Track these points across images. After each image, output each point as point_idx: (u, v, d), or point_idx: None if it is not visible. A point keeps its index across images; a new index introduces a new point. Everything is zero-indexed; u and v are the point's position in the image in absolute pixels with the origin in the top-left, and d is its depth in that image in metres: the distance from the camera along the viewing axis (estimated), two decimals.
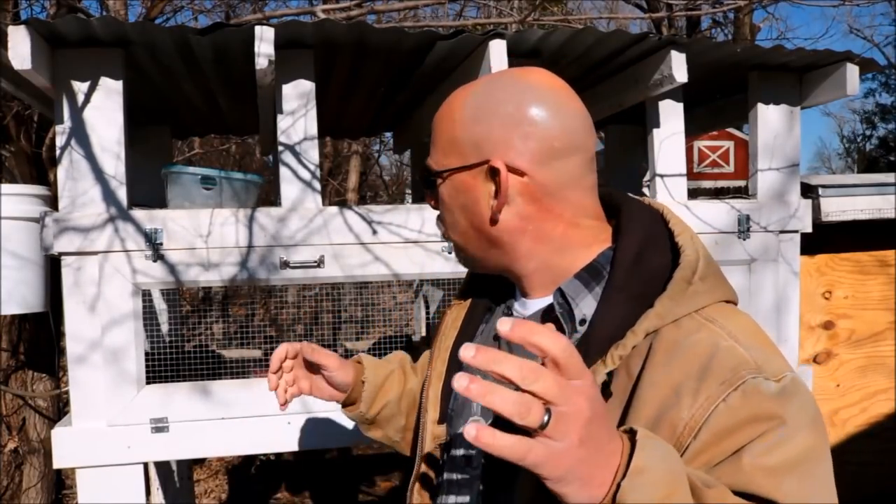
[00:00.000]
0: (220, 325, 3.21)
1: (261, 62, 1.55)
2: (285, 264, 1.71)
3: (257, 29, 1.54)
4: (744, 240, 1.96)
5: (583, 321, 0.74)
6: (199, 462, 4.83)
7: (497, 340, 0.86)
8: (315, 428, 1.70)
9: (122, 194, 1.65)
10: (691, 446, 0.63)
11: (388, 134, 5.02)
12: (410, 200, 6.17)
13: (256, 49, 1.54)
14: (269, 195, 5.12)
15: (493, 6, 3.83)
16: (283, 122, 1.76)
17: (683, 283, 0.70)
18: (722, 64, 1.96)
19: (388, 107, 2.58)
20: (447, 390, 0.91)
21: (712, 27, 8.96)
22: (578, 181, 0.76)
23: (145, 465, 1.79)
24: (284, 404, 1.05)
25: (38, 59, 1.48)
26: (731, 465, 0.61)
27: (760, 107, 2.03)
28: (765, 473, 0.60)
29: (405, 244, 1.78)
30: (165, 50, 1.71)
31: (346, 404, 1.10)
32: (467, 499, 0.82)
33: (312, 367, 1.06)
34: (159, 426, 1.65)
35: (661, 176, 1.97)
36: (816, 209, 2.19)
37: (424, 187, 0.84)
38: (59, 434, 1.63)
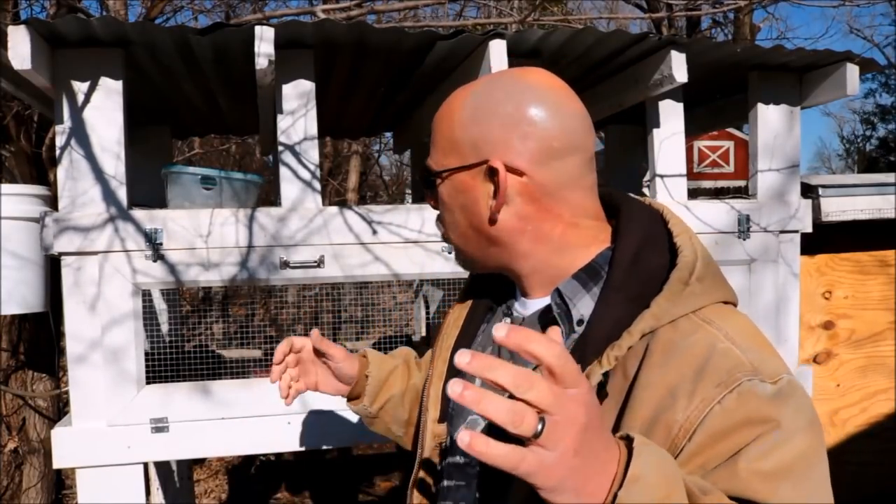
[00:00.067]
0: (220, 325, 3.21)
1: (261, 62, 1.55)
2: (285, 264, 1.71)
3: (257, 29, 1.54)
4: (744, 240, 1.96)
5: (580, 321, 0.74)
6: (199, 462, 4.83)
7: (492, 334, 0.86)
8: (315, 428, 1.70)
9: (122, 194, 1.65)
10: (686, 448, 0.63)
11: (388, 134, 5.02)
12: (410, 200, 6.17)
13: (256, 49, 1.54)
14: (269, 195, 5.12)
15: (493, 6, 3.83)
16: (283, 122, 1.76)
17: (680, 283, 0.70)
18: (722, 64, 1.96)
19: (388, 107, 2.58)
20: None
21: (712, 27, 8.96)
22: (577, 181, 0.76)
23: (145, 465, 1.79)
24: (287, 398, 1.06)
25: (38, 59, 1.48)
26: (727, 470, 0.61)
27: (760, 107, 2.03)
28: (761, 478, 0.60)
29: (405, 244, 1.78)
30: (165, 50, 1.71)
31: (350, 398, 1.12)
32: (467, 498, 0.82)
33: (318, 355, 1.08)
34: (159, 426, 1.65)
35: (661, 176, 1.97)
36: (816, 209, 2.19)
37: (424, 187, 0.84)
38: (59, 434, 1.63)
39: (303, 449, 1.74)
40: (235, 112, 2.51)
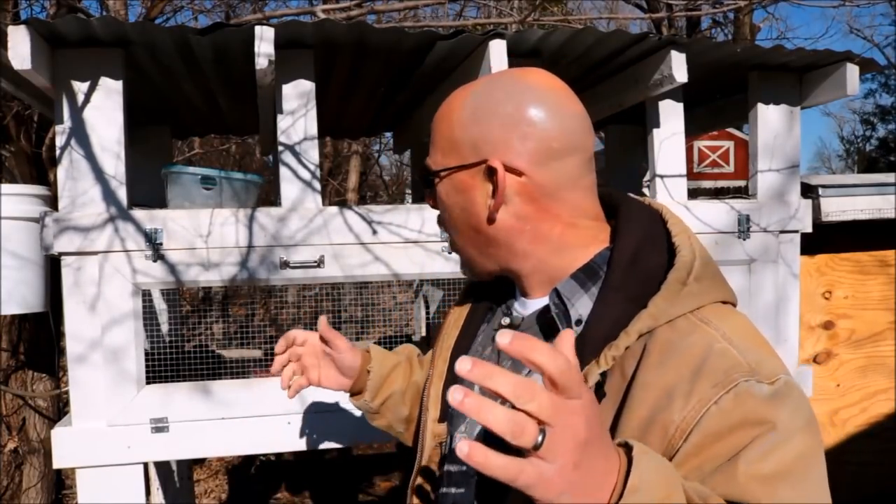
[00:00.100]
0: (220, 325, 3.21)
1: (261, 62, 1.55)
2: (285, 264, 1.71)
3: (257, 29, 1.54)
4: (744, 240, 1.96)
5: (579, 321, 0.74)
6: (199, 462, 4.83)
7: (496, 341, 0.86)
8: (315, 428, 1.70)
9: (122, 194, 1.65)
10: (682, 449, 0.63)
11: (388, 134, 5.02)
12: (410, 200, 6.17)
13: (256, 49, 1.54)
14: (269, 195, 5.12)
15: (493, 6, 3.83)
16: (283, 122, 1.76)
17: (678, 283, 0.70)
18: (722, 64, 1.96)
19: (388, 107, 2.58)
20: (448, 390, 0.91)
21: (712, 27, 8.96)
22: (576, 181, 0.76)
23: (145, 465, 1.79)
24: (289, 391, 1.08)
25: (38, 59, 1.48)
26: (725, 474, 0.61)
27: (760, 107, 2.03)
28: (759, 482, 0.60)
29: (405, 244, 1.78)
30: (165, 50, 1.71)
31: (353, 393, 1.13)
32: (466, 497, 0.82)
33: (323, 342, 1.09)
34: (159, 426, 1.65)
35: (661, 176, 1.97)
36: (816, 209, 2.19)
37: (423, 187, 0.84)
38: (59, 434, 1.63)
39: (303, 449, 1.73)
40: (235, 112, 2.51)
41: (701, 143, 8.44)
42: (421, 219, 1.78)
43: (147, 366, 1.72)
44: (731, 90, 2.34)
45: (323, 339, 1.09)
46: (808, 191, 2.21)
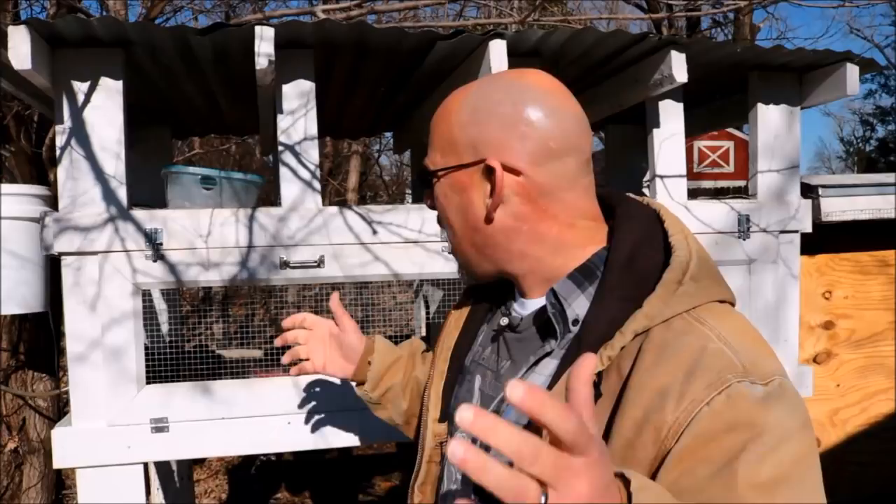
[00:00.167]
0: (220, 325, 3.20)
1: (261, 62, 1.55)
2: (285, 264, 1.71)
3: (257, 29, 1.54)
4: (743, 240, 1.96)
5: (575, 321, 0.74)
6: (199, 462, 4.83)
7: (495, 342, 0.86)
8: (315, 428, 1.70)
9: (122, 194, 1.65)
10: (674, 450, 0.62)
11: (388, 134, 5.02)
12: (410, 200, 6.17)
13: (256, 49, 1.54)
14: (269, 195, 5.12)
15: (493, 6, 3.83)
16: (283, 122, 1.76)
17: (673, 283, 0.70)
18: (722, 64, 1.96)
19: (388, 107, 2.58)
20: (448, 389, 0.91)
21: (712, 27, 8.96)
22: (574, 182, 0.76)
23: (145, 465, 1.79)
24: (289, 362, 1.15)
25: (38, 59, 1.48)
26: (723, 483, 0.60)
27: (760, 107, 2.03)
28: (757, 492, 0.59)
29: (405, 244, 1.78)
30: (165, 50, 1.71)
31: (358, 384, 1.16)
32: (467, 497, 0.82)
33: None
34: (159, 426, 1.65)
35: (661, 176, 1.97)
36: (816, 209, 2.19)
37: (422, 187, 0.85)
38: (59, 434, 1.63)
39: (303, 449, 1.73)
40: (235, 112, 2.51)
41: (701, 143, 8.44)
42: (421, 219, 1.78)
43: (147, 366, 1.72)
44: (731, 90, 2.34)
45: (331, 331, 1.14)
46: (809, 191, 2.21)
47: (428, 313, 2.75)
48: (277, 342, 1.15)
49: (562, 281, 0.76)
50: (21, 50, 1.43)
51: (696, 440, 0.62)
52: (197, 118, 2.61)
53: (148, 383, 1.71)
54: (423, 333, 2.77)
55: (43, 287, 2.15)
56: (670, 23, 7.65)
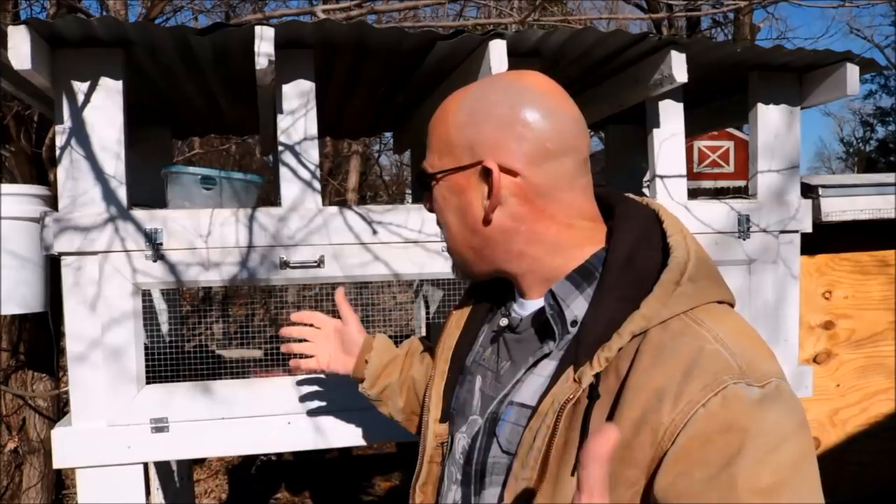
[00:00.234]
0: (220, 325, 3.20)
1: (261, 62, 1.55)
2: (285, 264, 1.71)
3: (257, 29, 1.54)
4: (743, 240, 1.96)
5: (574, 322, 0.74)
6: (199, 462, 4.83)
7: (495, 342, 0.86)
8: (315, 428, 1.70)
9: (122, 194, 1.65)
10: (670, 452, 0.62)
11: (388, 134, 5.02)
12: (410, 200, 6.17)
13: (256, 49, 1.54)
14: (269, 195, 5.13)
15: (493, 6, 3.83)
16: (283, 122, 1.76)
17: (671, 284, 0.70)
18: (722, 64, 1.96)
19: (388, 107, 2.58)
20: (449, 389, 0.91)
21: (712, 27, 8.96)
22: (572, 182, 0.76)
23: (145, 465, 1.79)
24: (291, 356, 1.22)
25: (38, 59, 1.48)
26: (721, 488, 0.60)
27: (760, 107, 2.03)
28: (755, 496, 0.59)
29: (405, 244, 1.78)
30: (165, 50, 1.71)
31: (359, 380, 1.20)
32: (467, 498, 0.82)
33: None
34: (159, 426, 1.65)
35: (661, 176, 1.97)
36: (817, 209, 2.19)
37: (420, 189, 0.85)
38: (59, 434, 1.63)
39: (303, 449, 1.73)
40: (235, 112, 2.51)
41: (701, 143, 8.44)
42: (421, 219, 1.78)
43: (147, 366, 1.72)
44: (731, 90, 2.34)
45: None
46: (809, 191, 2.22)
47: (428, 313, 2.75)
48: (283, 332, 1.19)
49: (560, 282, 0.76)
50: (21, 50, 1.43)
51: (691, 442, 0.62)
52: (197, 118, 2.61)
53: (148, 383, 1.71)
54: (423, 333, 2.77)
55: (43, 287, 2.15)
56: (670, 23, 7.65)
